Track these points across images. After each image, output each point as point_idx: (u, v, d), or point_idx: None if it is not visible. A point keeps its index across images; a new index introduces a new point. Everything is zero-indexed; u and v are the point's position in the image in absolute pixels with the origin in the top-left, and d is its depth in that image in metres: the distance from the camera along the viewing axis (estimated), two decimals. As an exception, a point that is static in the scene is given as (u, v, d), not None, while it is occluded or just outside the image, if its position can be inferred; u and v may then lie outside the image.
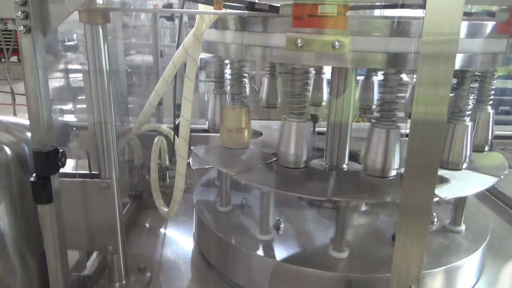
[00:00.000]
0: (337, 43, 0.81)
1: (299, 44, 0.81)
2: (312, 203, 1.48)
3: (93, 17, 0.96)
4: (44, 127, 0.87)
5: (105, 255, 1.24)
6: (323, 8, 0.81)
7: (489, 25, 0.95)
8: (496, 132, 1.32)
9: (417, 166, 0.85)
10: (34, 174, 0.89)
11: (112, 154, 1.10)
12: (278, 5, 0.84)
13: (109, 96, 1.05)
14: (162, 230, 1.58)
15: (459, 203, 1.27)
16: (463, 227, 1.30)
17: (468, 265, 1.20)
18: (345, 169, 1.47)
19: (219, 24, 1.11)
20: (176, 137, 1.95)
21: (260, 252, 1.20)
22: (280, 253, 1.19)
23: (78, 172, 1.14)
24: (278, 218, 1.29)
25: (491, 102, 1.24)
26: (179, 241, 1.52)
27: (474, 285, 1.24)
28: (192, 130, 2.21)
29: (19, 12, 0.80)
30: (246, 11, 0.92)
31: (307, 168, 1.23)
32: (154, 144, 1.62)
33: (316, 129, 2.07)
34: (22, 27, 0.80)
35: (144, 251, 1.41)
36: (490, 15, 0.84)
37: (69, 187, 1.10)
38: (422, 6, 0.78)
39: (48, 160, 0.86)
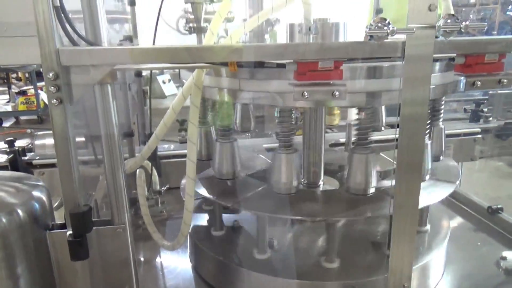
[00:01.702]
0: (337, 92, 0.96)
1: (306, 96, 0.95)
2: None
3: (103, 77, 1.02)
4: (76, 189, 0.92)
5: (117, 296, 1.29)
6: (322, 63, 0.96)
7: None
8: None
9: (406, 172, 1.04)
10: (69, 233, 0.93)
11: (124, 199, 1.16)
12: (285, 62, 0.97)
13: (120, 150, 1.11)
14: (157, 260, 1.64)
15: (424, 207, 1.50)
16: (428, 226, 1.52)
17: (434, 262, 1.41)
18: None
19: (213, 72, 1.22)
20: (153, 167, 2.02)
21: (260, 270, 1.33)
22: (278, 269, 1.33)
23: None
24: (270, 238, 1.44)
25: (441, 119, 1.47)
26: (178, 268, 1.59)
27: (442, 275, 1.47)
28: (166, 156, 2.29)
29: (52, 87, 0.85)
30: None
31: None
32: (137, 178, 1.66)
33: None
34: (54, 100, 0.85)
35: (147, 285, 1.47)
36: (451, 59, 1.05)
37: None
38: (402, 58, 0.97)
39: (84, 220, 0.92)
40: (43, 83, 9.09)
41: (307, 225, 1.62)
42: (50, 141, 2.43)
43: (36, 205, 1.11)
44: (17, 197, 1.10)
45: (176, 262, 1.62)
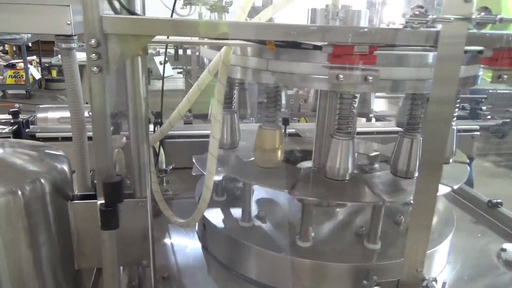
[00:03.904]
0: (370, 77, 0.98)
1: (341, 78, 0.96)
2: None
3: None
4: (110, 158, 0.92)
5: (131, 269, 1.30)
6: (358, 47, 0.97)
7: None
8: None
9: (427, 166, 1.06)
10: (100, 202, 0.93)
11: (147, 173, 1.16)
12: (321, 44, 0.98)
13: (146, 122, 1.10)
14: (166, 237, 1.65)
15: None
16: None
17: (440, 250, 1.46)
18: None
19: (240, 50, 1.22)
20: (161, 147, 2.01)
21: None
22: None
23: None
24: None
25: (455, 118, 1.50)
26: (186, 244, 1.61)
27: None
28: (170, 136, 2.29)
29: (93, 54, 0.84)
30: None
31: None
32: (148, 155, 1.66)
33: (287, 131, 2.29)
34: (95, 67, 0.85)
35: (159, 260, 1.48)
36: (480, 52, 1.07)
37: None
38: (435, 47, 0.98)
39: (117, 190, 0.92)
40: (33, 57, 8.89)
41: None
42: (52, 114, 2.40)
43: (59, 175, 1.11)
44: (40, 166, 1.09)
45: (185, 240, 1.64)
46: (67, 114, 2.30)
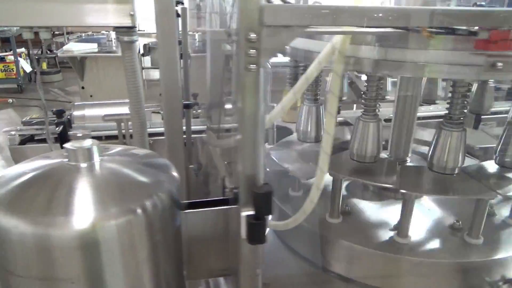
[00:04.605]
0: (526, 64, 0.90)
1: (499, 66, 0.88)
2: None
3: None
4: (260, 166, 0.83)
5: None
6: (515, 32, 0.88)
7: None
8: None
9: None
10: (246, 214, 0.84)
11: (262, 177, 1.07)
12: (475, 29, 0.89)
13: (263, 123, 1.00)
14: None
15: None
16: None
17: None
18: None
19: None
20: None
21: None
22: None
23: (218, 198, 1.10)
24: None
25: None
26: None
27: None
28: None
29: (252, 50, 0.74)
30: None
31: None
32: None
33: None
34: (253, 65, 0.74)
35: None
36: None
37: (219, 216, 1.05)
38: None
39: (268, 200, 0.83)
40: (22, 50, 8.50)
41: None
42: (89, 112, 2.27)
43: (174, 184, 1.00)
44: (154, 176, 0.99)
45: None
46: (109, 111, 2.18)
